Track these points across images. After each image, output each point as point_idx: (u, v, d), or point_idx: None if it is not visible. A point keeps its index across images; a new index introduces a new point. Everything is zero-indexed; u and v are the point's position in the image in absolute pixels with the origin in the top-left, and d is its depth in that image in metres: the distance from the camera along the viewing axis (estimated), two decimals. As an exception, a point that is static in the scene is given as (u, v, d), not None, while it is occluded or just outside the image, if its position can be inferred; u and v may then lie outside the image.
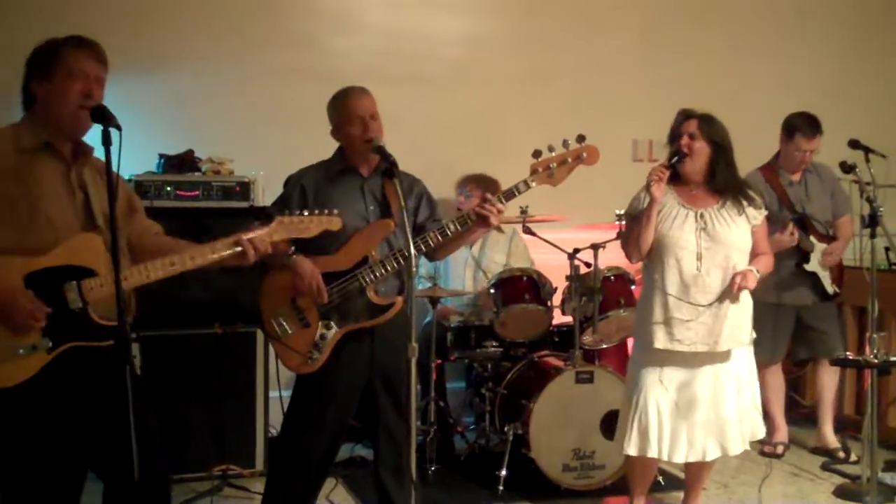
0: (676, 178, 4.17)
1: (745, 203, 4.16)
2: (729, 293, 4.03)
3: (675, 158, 4.11)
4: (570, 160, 3.66)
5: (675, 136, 4.18)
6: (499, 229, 5.79)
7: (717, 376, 4.13)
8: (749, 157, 5.45)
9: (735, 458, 5.19)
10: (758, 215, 4.20)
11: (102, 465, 3.02)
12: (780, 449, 5.62)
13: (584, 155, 3.68)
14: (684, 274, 4.07)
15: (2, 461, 2.88)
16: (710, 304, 4.02)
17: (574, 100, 6.49)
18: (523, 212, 5.15)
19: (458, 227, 3.68)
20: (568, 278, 5.20)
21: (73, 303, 2.84)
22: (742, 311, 4.12)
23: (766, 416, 5.62)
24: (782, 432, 5.69)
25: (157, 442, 3.03)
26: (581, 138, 3.66)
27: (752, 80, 6.78)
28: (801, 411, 6.34)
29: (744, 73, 6.81)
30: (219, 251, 3.03)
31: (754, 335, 4.20)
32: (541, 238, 5.36)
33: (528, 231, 5.36)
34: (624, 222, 4.38)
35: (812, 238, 5.40)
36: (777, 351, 5.55)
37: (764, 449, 5.62)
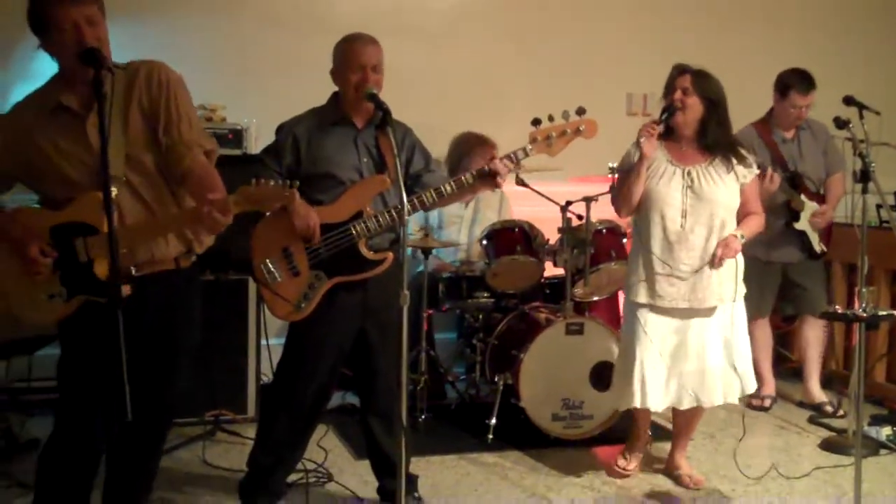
0: (669, 133, 4.18)
1: (734, 161, 4.17)
2: (712, 261, 4.08)
3: (666, 113, 4.12)
4: (568, 132, 3.68)
5: (668, 91, 4.18)
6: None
7: (703, 331, 4.18)
8: (742, 113, 5.44)
9: (723, 411, 5.27)
10: (747, 173, 4.20)
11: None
12: (767, 402, 5.68)
13: (583, 128, 3.70)
14: (668, 231, 4.10)
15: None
16: (691, 272, 4.08)
17: (568, 53, 6.47)
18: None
19: (455, 189, 3.71)
20: (560, 230, 5.21)
21: (80, 257, 2.98)
22: (726, 269, 4.15)
23: (754, 370, 5.71)
24: (770, 386, 5.74)
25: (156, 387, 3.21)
26: (581, 111, 3.66)
27: (747, 36, 6.76)
28: (788, 366, 6.39)
29: (738, 29, 6.79)
30: (181, 225, 3.11)
31: (744, 291, 4.24)
32: (533, 190, 5.35)
33: (521, 183, 5.36)
34: (616, 177, 4.38)
35: (802, 196, 5.41)
36: (763, 306, 5.58)
37: (751, 402, 5.67)
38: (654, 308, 4.16)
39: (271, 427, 3.94)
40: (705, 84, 4.13)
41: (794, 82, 5.39)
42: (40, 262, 2.96)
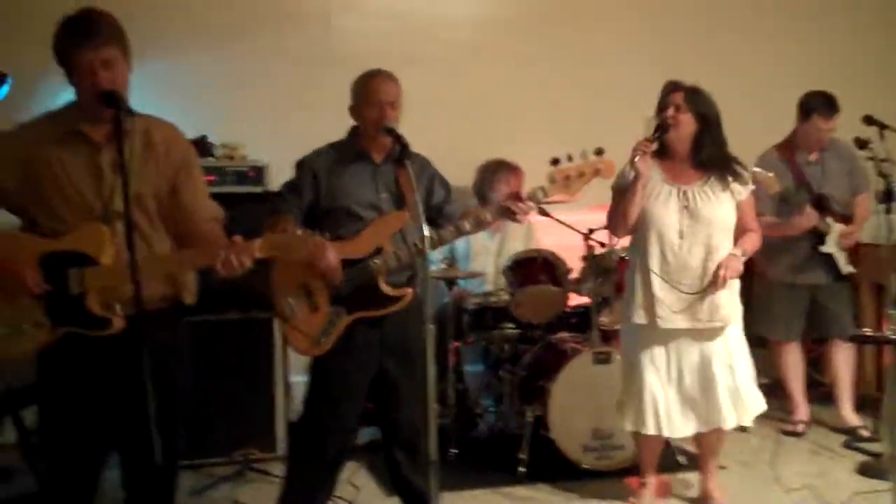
0: (663, 152, 4.14)
1: (730, 179, 4.14)
2: (713, 284, 4.03)
3: (660, 131, 4.08)
4: (587, 172, 3.66)
5: (661, 108, 4.15)
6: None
7: (704, 353, 4.15)
8: (764, 135, 5.43)
9: (755, 437, 5.20)
10: (743, 190, 4.18)
11: (121, 449, 3.12)
12: (800, 427, 5.59)
13: (601, 168, 3.68)
14: (666, 252, 4.08)
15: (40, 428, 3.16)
16: (696, 292, 4.03)
17: (585, 79, 6.48)
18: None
19: (474, 227, 3.74)
20: (583, 259, 5.19)
21: (73, 289, 2.94)
22: (730, 290, 4.12)
23: (786, 394, 5.63)
24: (803, 410, 5.66)
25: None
26: (599, 151, 3.64)
27: (766, 58, 6.73)
28: (821, 390, 6.29)
29: (757, 50, 6.76)
30: (197, 262, 3.08)
31: (741, 311, 4.20)
32: (555, 219, 5.34)
33: (542, 212, 5.34)
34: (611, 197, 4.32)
35: (828, 219, 5.35)
36: (792, 330, 5.53)
37: (785, 428, 5.60)
38: (655, 330, 4.11)
39: (300, 465, 3.92)
40: (698, 100, 4.11)
41: (817, 105, 5.34)
42: (35, 291, 2.92)
